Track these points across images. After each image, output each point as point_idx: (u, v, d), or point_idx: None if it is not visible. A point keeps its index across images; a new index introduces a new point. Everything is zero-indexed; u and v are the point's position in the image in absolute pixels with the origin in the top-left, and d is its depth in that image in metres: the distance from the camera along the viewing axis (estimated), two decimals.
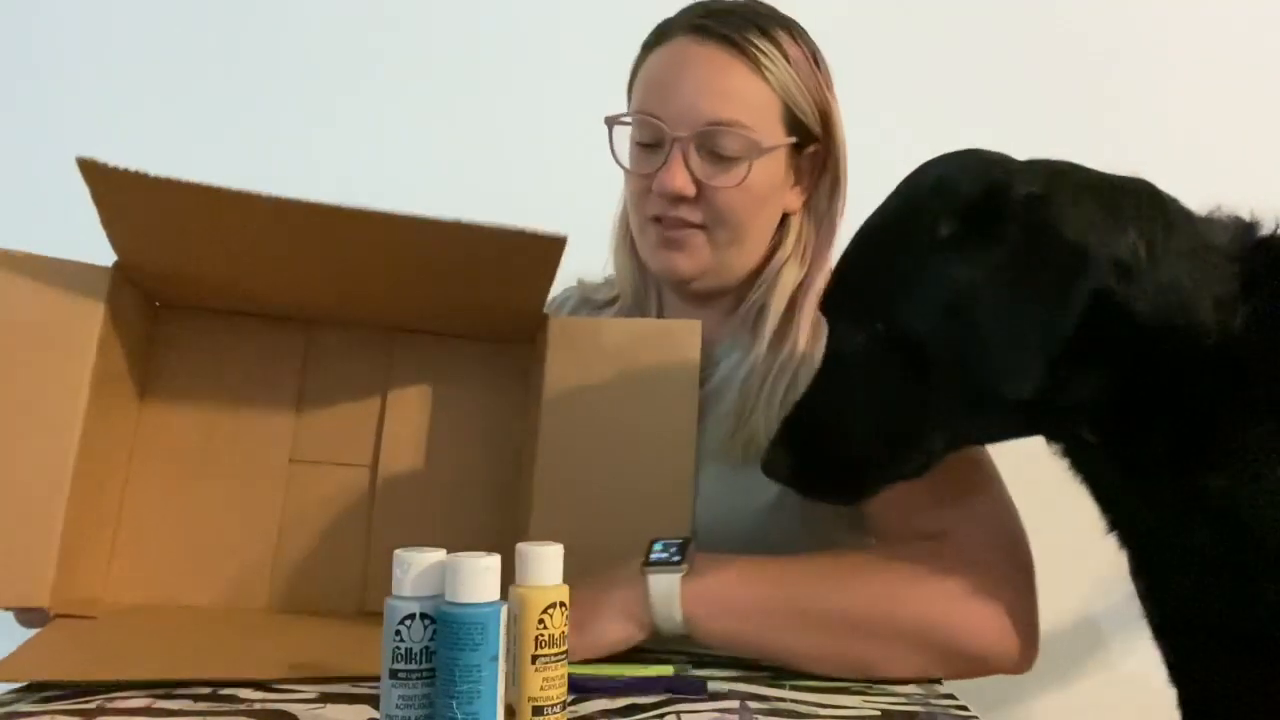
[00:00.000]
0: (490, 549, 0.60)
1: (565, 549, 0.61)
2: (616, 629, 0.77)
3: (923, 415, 0.70)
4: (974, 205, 0.66)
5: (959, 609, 0.76)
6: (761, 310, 0.98)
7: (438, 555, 0.59)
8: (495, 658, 0.56)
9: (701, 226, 0.95)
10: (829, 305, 0.77)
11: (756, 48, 0.93)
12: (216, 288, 0.89)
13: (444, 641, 0.56)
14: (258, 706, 0.66)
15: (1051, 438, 0.73)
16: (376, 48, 1.50)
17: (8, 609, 0.79)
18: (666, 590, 0.76)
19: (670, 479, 0.86)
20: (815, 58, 0.98)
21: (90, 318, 0.80)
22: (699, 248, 0.96)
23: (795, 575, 0.79)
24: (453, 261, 0.81)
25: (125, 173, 0.69)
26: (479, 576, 0.57)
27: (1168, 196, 0.68)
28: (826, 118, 0.98)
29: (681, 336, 0.90)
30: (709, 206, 0.94)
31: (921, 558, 0.79)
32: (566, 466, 0.86)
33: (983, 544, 0.80)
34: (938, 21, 1.43)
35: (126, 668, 0.71)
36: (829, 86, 0.98)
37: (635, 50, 1.00)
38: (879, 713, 0.69)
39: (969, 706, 0.71)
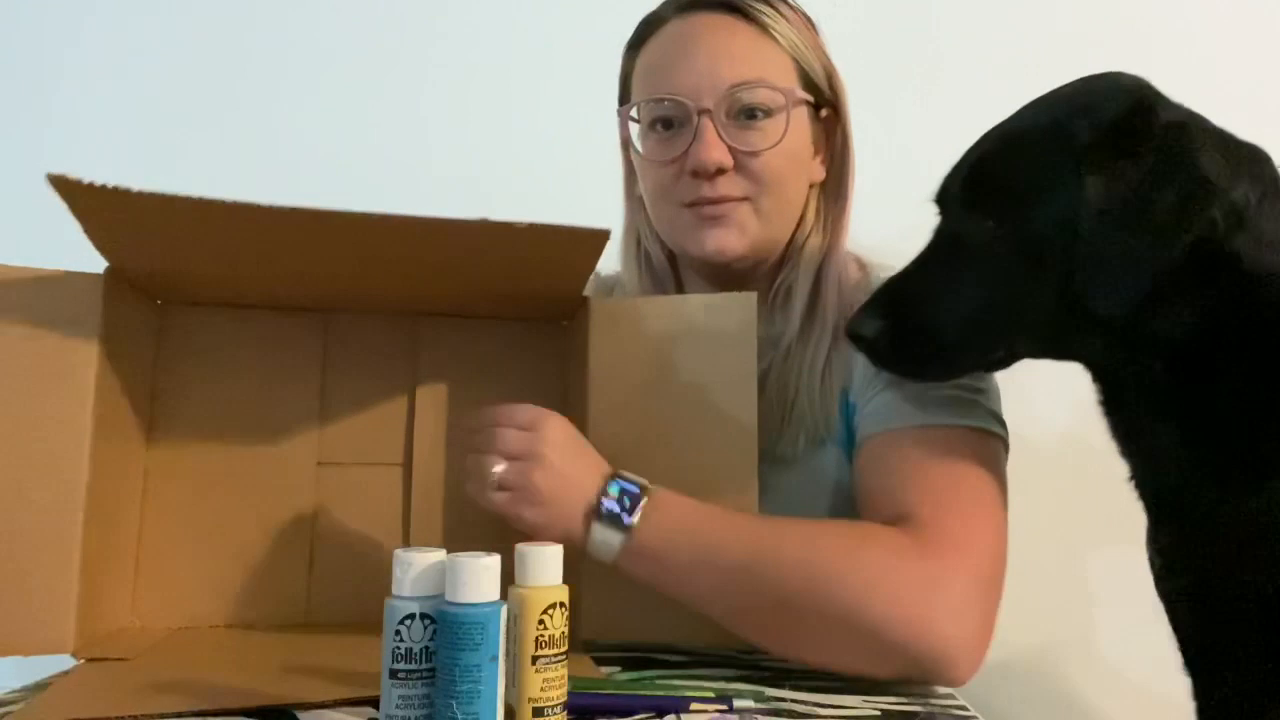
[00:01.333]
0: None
1: None
2: (554, 538, 0.70)
3: (1019, 314, 0.73)
4: (1118, 120, 0.69)
5: (893, 599, 0.71)
6: (789, 291, 0.95)
7: (438, 555, 0.59)
8: (495, 658, 0.57)
9: (744, 199, 0.91)
10: (961, 190, 0.76)
11: (757, 9, 0.91)
12: (221, 285, 0.85)
13: (444, 641, 0.56)
14: (257, 705, 0.65)
15: (1118, 369, 0.73)
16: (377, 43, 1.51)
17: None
18: (605, 544, 0.74)
19: (733, 463, 0.82)
20: (810, 21, 0.97)
21: (86, 334, 0.74)
22: (746, 220, 0.91)
23: (737, 535, 0.75)
24: (487, 259, 0.78)
25: (104, 189, 0.62)
26: (479, 576, 0.57)
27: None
28: (832, 79, 0.96)
29: (735, 311, 0.84)
30: (749, 175, 0.90)
31: (882, 540, 0.74)
32: (619, 459, 0.80)
33: (955, 541, 0.74)
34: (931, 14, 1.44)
35: (165, 703, 0.64)
36: (826, 50, 0.97)
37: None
38: (879, 713, 0.69)
39: (968, 706, 0.71)
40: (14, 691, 0.71)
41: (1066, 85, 0.75)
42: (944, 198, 0.78)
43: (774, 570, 0.73)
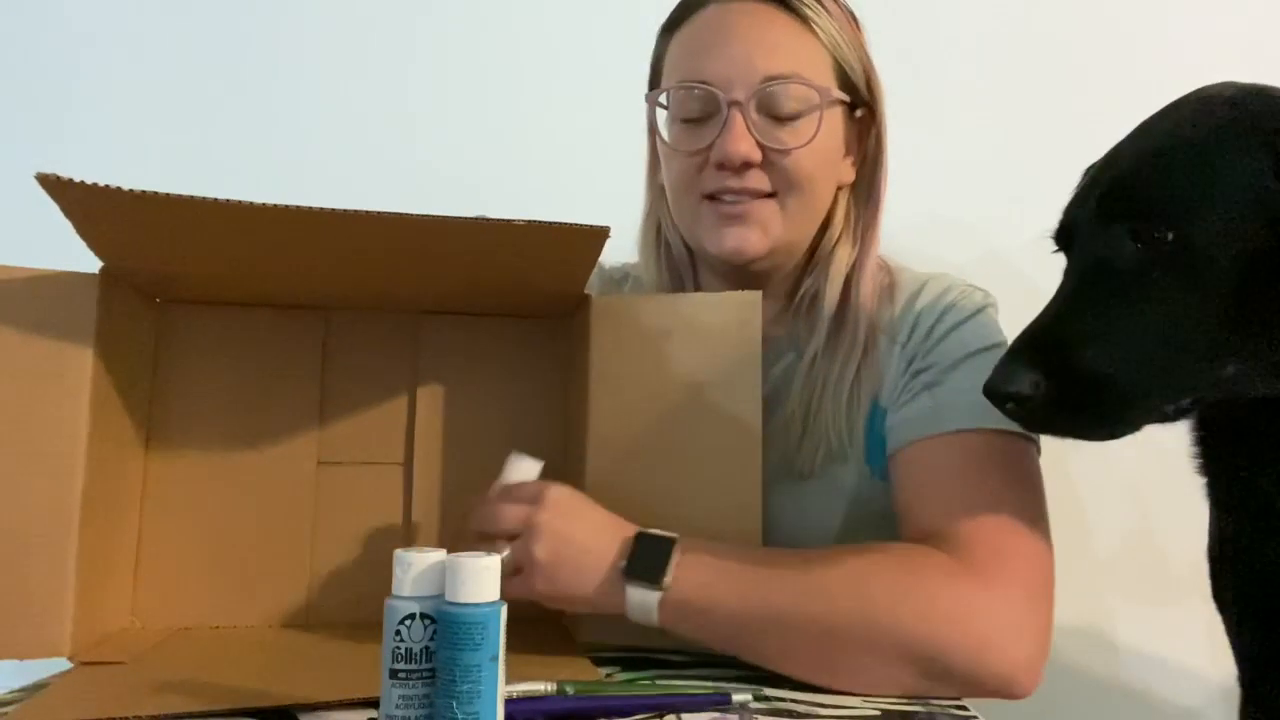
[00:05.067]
0: None
1: None
2: (585, 607, 0.76)
3: (1209, 335, 0.64)
4: None
5: (950, 624, 0.70)
6: (815, 298, 0.92)
7: (438, 555, 0.59)
8: (495, 658, 0.56)
9: (771, 194, 0.88)
10: (1101, 208, 0.69)
11: (800, 1, 0.88)
12: (219, 283, 0.84)
13: (444, 641, 0.56)
14: (257, 705, 0.65)
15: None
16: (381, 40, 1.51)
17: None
18: (643, 604, 0.73)
19: (737, 463, 0.81)
20: (854, 17, 0.94)
21: (82, 334, 0.73)
22: (770, 218, 0.88)
23: (779, 576, 0.74)
24: (487, 258, 0.77)
25: (93, 188, 0.61)
26: (479, 576, 0.57)
27: None
28: (870, 79, 0.93)
29: (738, 310, 0.82)
30: (777, 171, 0.87)
31: (931, 564, 0.73)
32: (620, 462, 0.81)
33: (1003, 556, 0.73)
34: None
35: (165, 703, 0.64)
36: (868, 48, 0.94)
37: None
38: (879, 713, 0.69)
39: (968, 706, 0.71)
40: (13, 692, 0.71)
41: (1187, 101, 0.70)
42: (1073, 228, 0.71)
43: (824, 606, 0.71)
